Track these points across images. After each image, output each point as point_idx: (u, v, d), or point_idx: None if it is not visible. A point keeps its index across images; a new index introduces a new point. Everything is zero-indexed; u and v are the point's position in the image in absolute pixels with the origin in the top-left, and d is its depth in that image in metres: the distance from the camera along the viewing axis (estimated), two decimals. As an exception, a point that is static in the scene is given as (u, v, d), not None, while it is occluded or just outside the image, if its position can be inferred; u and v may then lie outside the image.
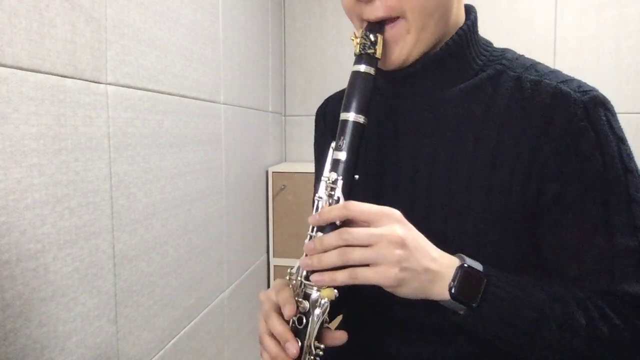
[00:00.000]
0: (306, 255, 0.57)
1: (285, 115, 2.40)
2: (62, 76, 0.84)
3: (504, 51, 0.68)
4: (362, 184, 0.71)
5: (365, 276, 0.52)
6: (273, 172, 2.05)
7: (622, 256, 0.56)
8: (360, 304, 0.80)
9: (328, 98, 0.87)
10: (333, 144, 0.59)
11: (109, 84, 0.97)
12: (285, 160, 2.41)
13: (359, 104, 0.58)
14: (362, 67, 0.59)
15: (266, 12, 2.09)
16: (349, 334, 0.77)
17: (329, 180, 0.58)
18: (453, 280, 0.54)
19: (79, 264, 0.89)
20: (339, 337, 0.59)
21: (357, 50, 0.60)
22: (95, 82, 0.93)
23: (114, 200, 0.99)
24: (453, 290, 0.54)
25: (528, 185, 0.59)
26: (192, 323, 1.38)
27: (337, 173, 0.57)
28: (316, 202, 0.58)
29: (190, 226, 1.34)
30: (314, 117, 0.89)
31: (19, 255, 0.75)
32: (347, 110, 0.59)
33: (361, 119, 0.58)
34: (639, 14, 2.06)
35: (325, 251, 0.54)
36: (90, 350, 0.93)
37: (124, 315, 1.04)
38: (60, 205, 0.84)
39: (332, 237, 0.54)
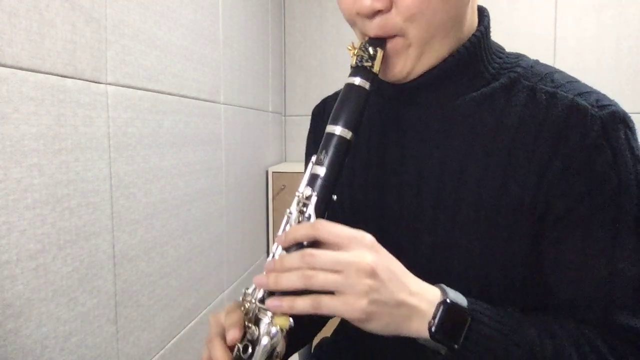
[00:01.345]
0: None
1: (285, 115, 2.40)
2: (62, 76, 0.84)
3: (518, 58, 0.64)
4: (363, 195, 0.68)
5: (330, 306, 0.46)
6: (273, 172, 2.05)
7: (623, 286, 0.53)
8: None
9: (326, 98, 0.84)
10: (313, 158, 0.54)
11: (109, 84, 0.97)
12: (285, 160, 2.41)
13: (348, 119, 0.54)
14: (357, 80, 0.55)
15: (266, 12, 2.09)
16: (348, 344, 0.76)
17: (302, 195, 0.52)
18: (433, 317, 0.49)
19: (79, 264, 0.89)
20: None
21: (353, 62, 0.56)
22: (95, 82, 0.93)
23: (114, 200, 0.99)
24: (433, 329, 0.48)
25: (537, 202, 0.56)
26: (192, 323, 1.38)
27: (312, 189, 0.52)
28: (286, 217, 0.53)
29: (190, 226, 1.34)
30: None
31: (19, 255, 0.75)
32: (334, 123, 0.54)
33: (348, 134, 0.53)
34: (639, 14, 2.06)
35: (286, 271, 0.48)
36: (90, 350, 0.93)
37: (124, 315, 1.04)
38: (60, 205, 0.84)
39: (294, 258, 0.48)
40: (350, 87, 0.55)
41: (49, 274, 0.82)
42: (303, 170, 0.85)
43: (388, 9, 0.54)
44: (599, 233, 0.53)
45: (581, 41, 2.09)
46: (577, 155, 0.54)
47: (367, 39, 0.57)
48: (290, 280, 0.47)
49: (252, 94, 1.90)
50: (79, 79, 0.88)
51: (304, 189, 0.52)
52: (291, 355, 0.72)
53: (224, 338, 0.52)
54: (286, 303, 0.48)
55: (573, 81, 0.60)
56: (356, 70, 0.55)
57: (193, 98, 1.35)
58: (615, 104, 0.56)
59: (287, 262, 0.48)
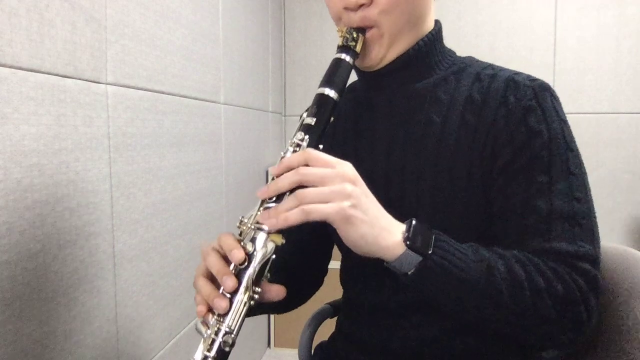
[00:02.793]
0: (260, 210, 0.58)
1: (285, 115, 2.40)
2: (62, 76, 0.84)
3: (466, 57, 0.78)
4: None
5: (318, 210, 0.53)
6: (273, 172, 2.05)
7: (558, 219, 0.63)
8: (350, 295, 0.82)
9: None
10: (304, 114, 0.63)
11: (109, 84, 0.97)
12: (285, 160, 2.40)
13: (335, 82, 0.65)
14: (343, 55, 0.68)
15: (266, 12, 2.09)
16: (345, 347, 0.78)
17: (295, 138, 0.61)
18: (407, 231, 0.58)
19: (79, 264, 0.89)
20: (275, 290, 0.60)
21: (340, 42, 0.69)
22: (95, 82, 0.93)
23: (114, 200, 0.99)
24: (409, 242, 0.57)
25: (485, 155, 0.67)
26: (192, 323, 1.38)
27: (304, 133, 0.61)
28: (281, 157, 0.61)
29: (190, 226, 1.34)
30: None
31: (19, 255, 0.75)
32: (323, 86, 0.65)
33: (335, 95, 0.64)
34: (639, 14, 2.06)
35: (280, 192, 0.57)
36: (90, 350, 0.93)
37: (124, 315, 1.04)
38: (60, 205, 0.84)
39: (288, 175, 0.56)
40: (337, 60, 0.68)
41: (49, 274, 0.82)
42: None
43: (369, 3, 0.67)
44: (538, 178, 0.65)
45: (581, 41, 2.09)
46: (515, 115, 0.67)
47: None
48: (287, 204, 0.55)
49: (252, 94, 1.90)
50: (79, 79, 0.88)
51: (297, 133, 0.62)
52: (278, 310, 0.83)
53: (219, 254, 0.58)
54: (281, 218, 0.54)
55: (508, 69, 0.74)
56: (342, 48, 0.69)
57: (193, 98, 1.35)
58: (543, 80, 0.70)
59: (281, 181, 0.56)
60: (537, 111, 0.66)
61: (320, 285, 0.90)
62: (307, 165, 0.56)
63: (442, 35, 0.78)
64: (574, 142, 0.68)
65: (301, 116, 0.64)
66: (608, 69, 2.07)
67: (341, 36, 0.69)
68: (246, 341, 1.86)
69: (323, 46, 2.32)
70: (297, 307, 0.85)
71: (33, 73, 0.77)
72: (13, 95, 0.74)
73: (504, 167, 0.66)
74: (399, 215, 0.61)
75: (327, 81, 0.66)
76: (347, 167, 0.57)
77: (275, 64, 2.24)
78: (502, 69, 0.73)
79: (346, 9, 0.69)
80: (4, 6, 0.71)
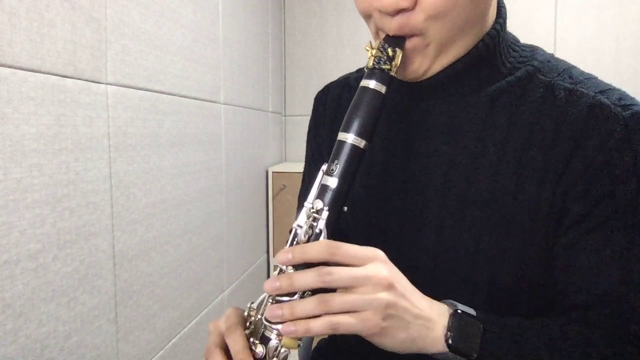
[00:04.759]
0: (270, 298, 0.48)
1: (285, 115, 2.40)
2: (62, 76, 0.84)
3: (534, 50, 0.61)
4: (366, 191, 0.66)
5: (347, 325, 0.45)
6: (273, 172, 2.06)
7: (635, 291, 0.51)
8: None
9: (329, 84, 0.79)
10: (324, 167, 0.50)
11: (109, 84, 0.97)
12: (285, 160, 2.41)
13: (362, 126, 0.50)
14: (372, 84, 0.51)
15: (266, 12, 2.09)
16: (347, 345, 0.76)
17: (312, 208, 0.49)
18: (449, 329, 0.48)
19: (79, 264, 0.89)
20: None
21: (370, 64, 0.52)
22: (95, 82, 0.93)
23: (114, 200, 0.99)
24: (451, 341, 0.47)
25: (554, 203, 0.53)
26: (192, 323, 1.38)
27: (323, 202, 0.49)
28: (294, 230, 0.50)
29: (190, 226, 1.34)
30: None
31: (19, 255, 0.75)
32: (346, 130, 0.50)
33: (362, 143, 0.50)
34: (639, 14, 2.06)
35: (297, 291, 0.46)
36: (90, 350, 0.93)
37: (124, 315, 1.04)
38: (60, 205, 0.84)
39: (308, 277, 0.45)
40: (364, 90, 0.51)
41: (49, 274, 0.82)
42: (303, 165, 0.82)
43: (412, 8, 0.50)
44: (615, 238, 0.52)
45: (581, 41, 2.09)
46: (598, 157, 0.51)
47: (384, 37, 0.54)
48: (307, 309, 0.45)
49: (252, 94, 1.90)
50: (79, 79, 0.88)
51: (314, 201, 0.49)
52: None
53: (223, 348, 0.50)
54: (301, 327, 0.45)
55: (592, 77, 0.57)
56: (372, 72, 0.52)
57: (193, 98, 1.35)
58: (637, 103, 0.53)
59: (300, 282, 0.46)
60: (626, 154, 0.50)
61: None
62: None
63: (506, 26, 0.59)
64: None
65: (321, 167, 0.51)
66: (608, 69, 2.07)
67: (372, 56, 0.52)
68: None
69: (323, 46, 2.32)
70: None
71: (33, 73, 0.77)
72: (13, 95, 0.74)
73: (575, 222, 0.53)
74: (433, 263, 0.53)
75: (349, 123, 0.50)
76: (379, 267, 0.46)
77: (275, 64, 2.24)
78: (583, 81, 0.55)
79: (381, 11, 0.52)
80: (4, 6, 0.71)
